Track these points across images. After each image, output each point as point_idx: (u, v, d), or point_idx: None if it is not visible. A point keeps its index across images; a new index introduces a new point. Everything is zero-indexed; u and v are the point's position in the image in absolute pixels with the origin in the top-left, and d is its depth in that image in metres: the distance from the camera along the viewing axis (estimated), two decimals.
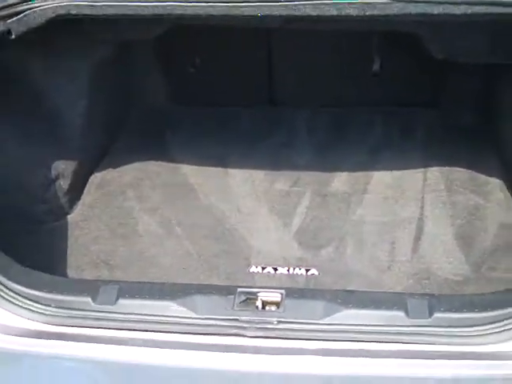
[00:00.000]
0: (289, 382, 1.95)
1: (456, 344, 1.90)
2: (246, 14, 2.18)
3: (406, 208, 2.90)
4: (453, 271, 2.58)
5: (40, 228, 2.82)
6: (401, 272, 2.59)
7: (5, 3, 2.25)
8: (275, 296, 2.01)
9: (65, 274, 2.60)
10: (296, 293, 2.05)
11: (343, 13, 2.14)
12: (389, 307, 1.96)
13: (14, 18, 2.26)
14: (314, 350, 1.91)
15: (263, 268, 2.62)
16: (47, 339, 1.96)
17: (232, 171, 3.16)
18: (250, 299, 2.01)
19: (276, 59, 3.51)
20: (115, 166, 3.21)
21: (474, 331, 1.91)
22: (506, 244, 2.68)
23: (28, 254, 2.34)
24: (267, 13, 2.17)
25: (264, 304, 2.01)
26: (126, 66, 3.49)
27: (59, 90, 2.93)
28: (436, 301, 1.99)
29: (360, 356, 1.90)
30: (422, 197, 2.94)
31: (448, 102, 3.46)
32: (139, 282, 2.27)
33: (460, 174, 3.05)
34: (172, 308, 1.98)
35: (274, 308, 1.99)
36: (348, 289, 2.41)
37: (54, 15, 2.27)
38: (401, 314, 1.94)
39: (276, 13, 2.17)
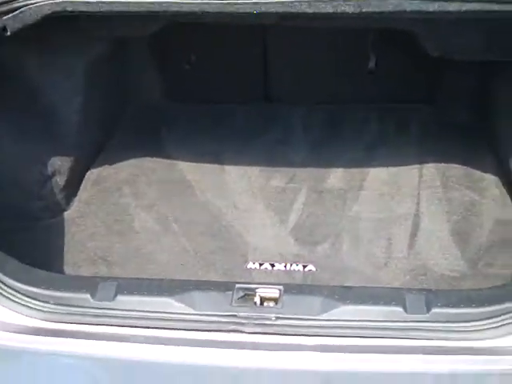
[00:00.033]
0: (287, 377, 1.95)
1: (454, 339, 1.91)
2: (241, 11, 2.18)
3: (402, 204, 2.90)
4: (449, 267, 2.59)
5: (36, 225, 2.82)
6: (397, 268, 2.60)
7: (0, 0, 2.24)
8: (273, 292, 2.02)
9: (61, 271, 2.60)
10: (294, 289, 2.06)
11: (339, 10, 2.15)
12: (387, 303, 1.97)
13: (10, 15, 2.25)
14: (312, 346, 1.92)
15: (260, 264, 2.62)
16: (46, 336, 1.96)
17: (228, 168, 3.17)
18: (248, 295, 2.01)
19: (271, 56, 3.51)
20: (111, 162, 3.21)
21: (472, 326, 1.92)
22: (501, 240, 2.69)
23: (25, 250, 2.34)
24: (263, 10, 2.17)
25: (262, 300, 2.01)
26: (122, 62, 3.48)
27: (55, 87, 2.92)
28: (433, 296, 2.00)
29: (358, 352, 1.91)
30: (418, 193, 2.95)
31: (443, 99, 3.47)
32: (137, 279, 2.27)
33: (456, 170, 3.05)
34: (171, 304, 1.98)
35: (272, 304, 2.00)
36: (345, 285, 2.41)
37: (49, 12, 2.27)
38: (399, 309, 1.95)
39: (272, 10, 2.17)
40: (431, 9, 2.13)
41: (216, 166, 3.17)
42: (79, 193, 3.05)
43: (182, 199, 3.00)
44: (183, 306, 1.98)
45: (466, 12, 2.12)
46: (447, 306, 1.96)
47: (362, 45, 3.42)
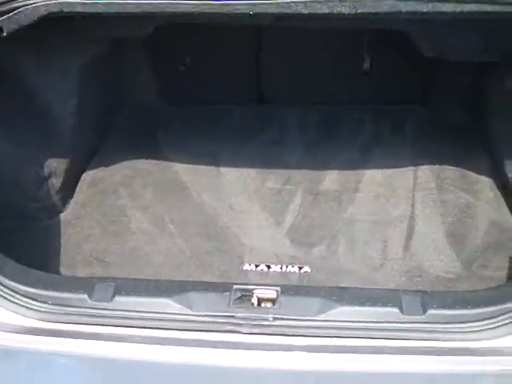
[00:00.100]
0: (284, 378, 1.96)
1: (450, 340, 1.92)
2: (237, 11, 2.18)
3: (398, 206, 2.91)
4: (444, 269, 2.60)
5: (33, 225, 2.82)
6: (393, 270, 2.61)
7: None
8: (271, 293, 2.03)
9: (58, 272, 2.60)
10: (291, 290, 2.06)
11: (334, 11, 2.16)
12: (383, 304, 1.98)
13: (6, 16, 2.25)
14: (309, 347, 1.92)
15: (256, 265, 2.63)
16: (44, 336, 1.96)
17: (224, 169, 3.17)
18: (245, 296, 2.02)
19: (267, 57, 3.52)
20: (107, 164, 3.21)
21: (468, 327, 1.93)
22: (496, 242, 2.70)
23: (22, 251, 2.34)
24: (259, 11, 2.17)
25: (260, 301, 2.02)
26: (117, 63, 3.48)
27: (51, 88, 2.92)
28: (429, 297, 2.01)
29: (355, 352, 1.91)
30: (413, 195, 2.96)
31: (438, 99, 3.48)
32: (135, 279, 2.27)
33: (450, 172, 3.06)
34: (168, 305, 1.98)
35: (269, 305, 2.00)
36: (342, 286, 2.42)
37: (46, 13, 2.26)
38: (395, 310, 1.96)
39: (268, 11, 2.17)
40: (425, 9, 2.14)
41: (212, 168, 3.18)
42: (75, 195, 3.05)
43: (177, 200, 3.00)
44: (181, 306, 1.98)
45: (460, 13, 2.13)
46: (443, 307, 1.97)
47: (358, 46, 3.43)
